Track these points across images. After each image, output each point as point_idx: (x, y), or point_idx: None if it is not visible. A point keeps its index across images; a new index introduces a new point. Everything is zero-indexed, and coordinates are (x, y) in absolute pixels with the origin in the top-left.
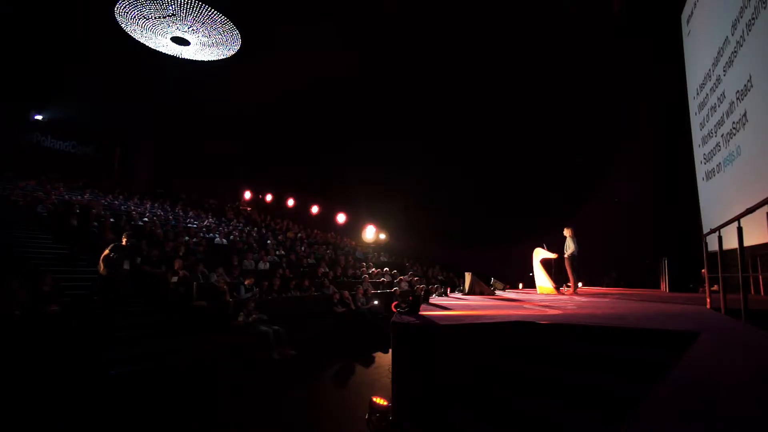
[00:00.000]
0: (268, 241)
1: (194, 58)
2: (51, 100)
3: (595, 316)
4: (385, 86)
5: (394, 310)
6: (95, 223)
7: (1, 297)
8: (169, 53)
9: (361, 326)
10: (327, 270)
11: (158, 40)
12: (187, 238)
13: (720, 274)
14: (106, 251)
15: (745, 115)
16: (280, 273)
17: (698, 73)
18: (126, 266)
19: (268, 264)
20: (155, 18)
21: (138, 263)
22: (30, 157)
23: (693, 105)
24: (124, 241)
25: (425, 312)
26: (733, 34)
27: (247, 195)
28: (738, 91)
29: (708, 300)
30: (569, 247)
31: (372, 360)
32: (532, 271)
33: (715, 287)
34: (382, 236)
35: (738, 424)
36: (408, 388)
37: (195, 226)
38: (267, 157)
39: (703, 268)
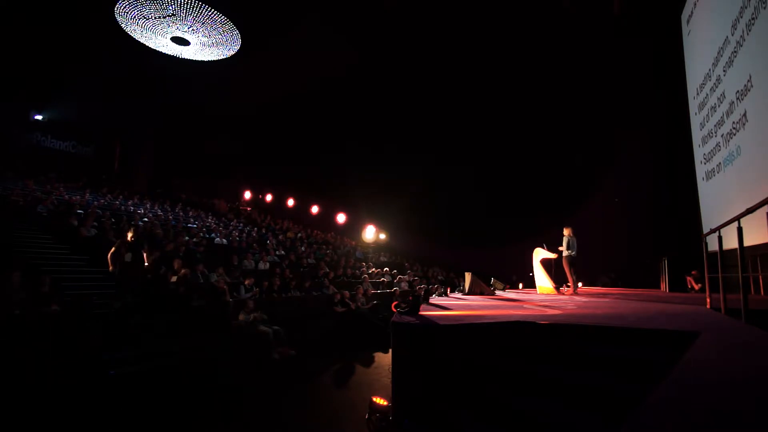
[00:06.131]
0: (268, 241)
1: (194, 58)
2: (51, 100)
3: (596, 316)
4: (385, 86)
5: (394, 310)
6: (95, 223)
7: (1, 297)
8: (169, 53)
9: (361, 326)
10: (327, 270)
11: (158, 40)
12: (187, 238)
13: (720, 274)
14: (113, 248)
15: (745, 115)
16: (278, 272)
17: (698, 73)
18: (128, 258)
19: (268, 264)
20: (155, 18)
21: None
22: (30, 157)
23: (693, 105)
24: (129, 236)
25: (425, 312)
26: (733, 34)
27: (247, 195)
28: (738, 91)
29: (708, 300)
30: (568, 247)
31: (372, 360)
32: (532, 271)
33: (698, 286)
34: (382, 236)
35: (738, 424)
36: (408, 387)
37: (195, 226)
38: (267, 157)
39: (694, 269)
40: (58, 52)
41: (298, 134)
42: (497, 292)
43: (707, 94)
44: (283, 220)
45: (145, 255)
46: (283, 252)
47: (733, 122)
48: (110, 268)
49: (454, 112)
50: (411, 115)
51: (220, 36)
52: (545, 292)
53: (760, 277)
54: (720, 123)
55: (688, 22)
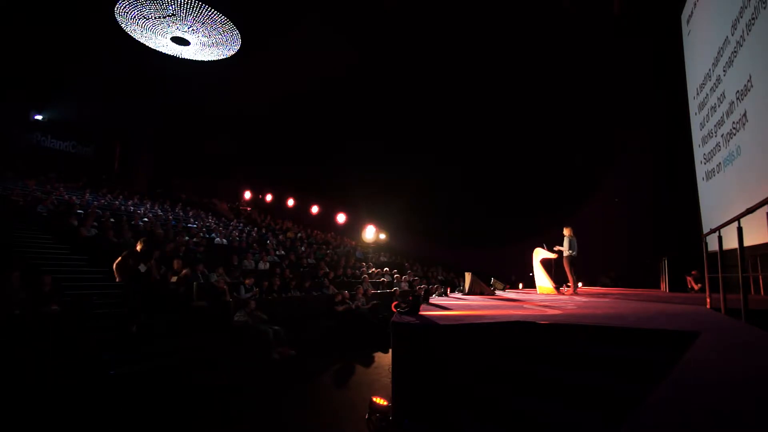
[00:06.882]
0: (268, 241)
1: (194, 58)
2: (51, 100)
3: (595, 316)
4: (385, 86)
5: (394, 310)
6: (95, 223)
7: (1, 297)
8: (169, 53)
9: (361, 326)
10: (327, 270)
11: (158, 40)
12: (187, 238)
13: (720, 274)
14: (119, 258)
15: (745, 115)
16: (278, 272)
17: (698, 73)
18: (142, 269)
19: (268, 264)
20: (155, 18)
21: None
22: (30, 157)
23: (693, 105)
24: (138, 247)
25: (425, 312)
26: (733, 34)
27: (247, 195)
28: (738, 91)
29: (708, 300)
30: (569, 247)
31: (372, 360)
32: (532, 271)
33: (698, 286)
34: (382, 236)
35: (738, 424)
36: (408, 388)
37: (195, 226)
38: (267, 157)
39: (694, 269)
40: (58, 52)
41: (297, 134)
42: (497, 292)
43: (707, 94)
44: (283, 220)
45: (153, 267)
46: (283, 252)
47: (733, 122)
48: (117, 279)
49: (455, 112)
50: (411, 115)
51: (220, 36)
52: (545, 292)
53: (760, 277)
54: (720, 123)
55: (688, 22)
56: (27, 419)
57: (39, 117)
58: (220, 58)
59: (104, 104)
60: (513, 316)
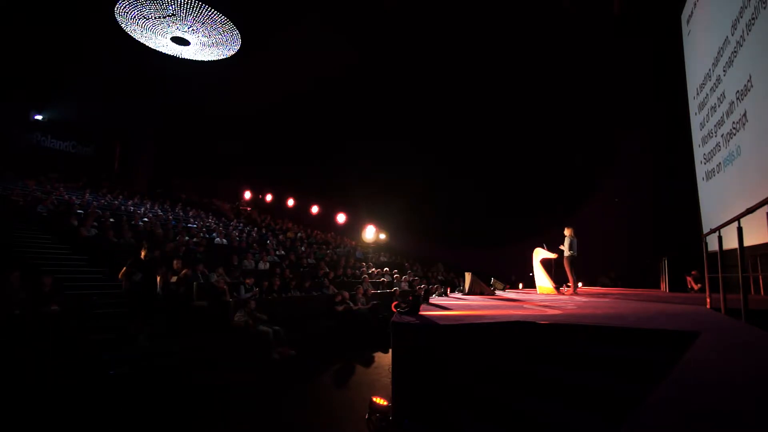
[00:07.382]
0: (268, 241)
1: (194, 58)
2: (51, 100)
3: (595, 316)
4: (385, 86)
5: (394, 310)
6: (95, 223)
7: (1, 297)
8: (169, 53)
9: (361, 326)
10: (327, 270)
11: (158, 40)
12: (187, 238)
13: (720, 274)
14: (123, 269)
15: (745, 115)
16: (278, 272)
17: (698, 73)
18: (137, 278)
19: (268, 264)
20: (155, 18)
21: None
22: (30, 157)
23: (693, 105)
24: (142, 254)
25: (425, 312)
26: (733, 34)
27: (247, 195)
28: (738, 91)
29: (708, 300)
30: (568, 247)
31: (372, 360)
32: (532, 271)
33: (698, 286)
34: (382, 236)
35: (738, 424)
36: (408, 387)
37: (195, 226)
38: (267, 157)
39: (694, 269)
40: (58, 52)
41: (298, 134)
42: (497, 292)
43: (707, 94)
44: (283, 220)
45: (158, 278)
46: (283, 252)
47: (733, 122)
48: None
49: (454, 112)
50: (411, 115)
51: (220, 36)
52: (545, 292)
53: (760, 277)
54: (720, 123)
55: (688, 22)
56: (27, 419)
57: (39, 117)
58: (220, 58)
59: (104, 104)
60: (513, 316)
